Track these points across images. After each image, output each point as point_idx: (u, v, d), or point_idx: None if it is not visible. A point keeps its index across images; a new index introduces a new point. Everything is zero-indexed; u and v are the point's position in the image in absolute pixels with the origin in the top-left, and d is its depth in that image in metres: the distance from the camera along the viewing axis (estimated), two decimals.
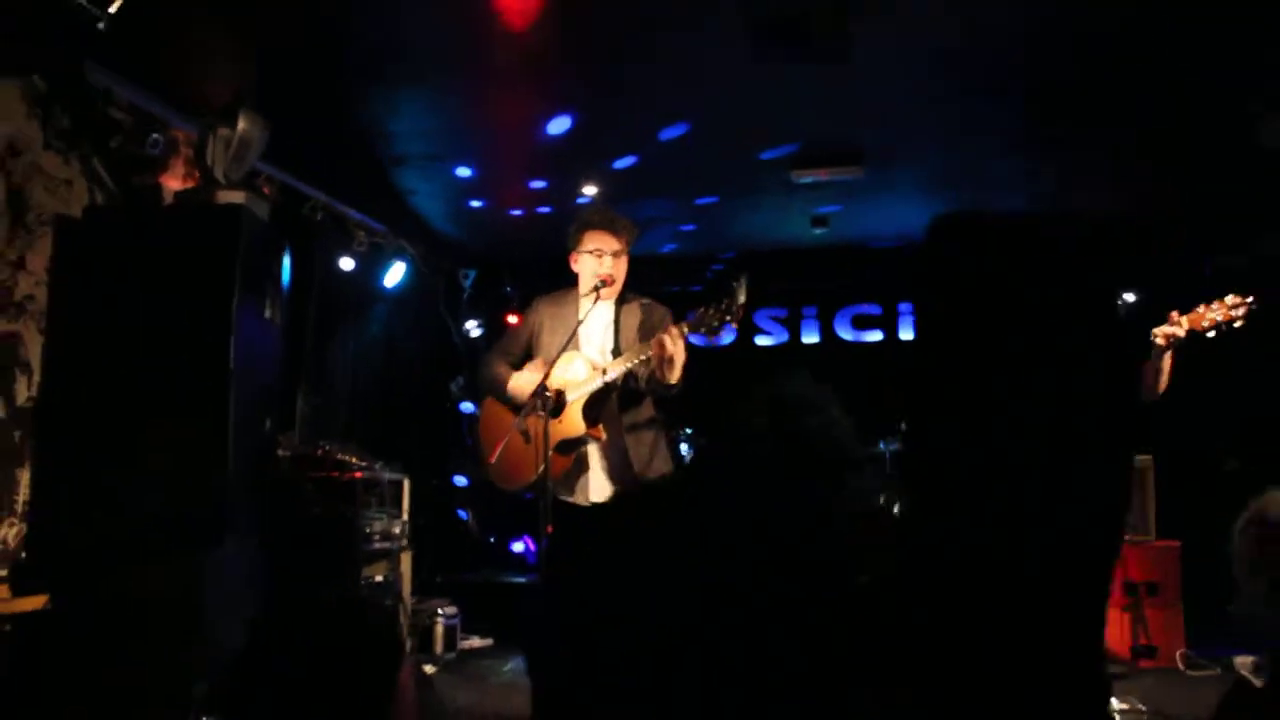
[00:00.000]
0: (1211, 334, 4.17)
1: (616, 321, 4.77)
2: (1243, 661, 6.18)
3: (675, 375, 4.33)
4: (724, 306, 4.18)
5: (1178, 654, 6.41)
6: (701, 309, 4.26)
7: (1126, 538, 6.65)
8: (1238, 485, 7.92)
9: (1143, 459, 6.66)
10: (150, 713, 4.03)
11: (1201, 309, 4.21)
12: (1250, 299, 4.12)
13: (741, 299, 4.12)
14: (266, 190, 6.01)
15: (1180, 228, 7.95)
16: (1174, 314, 4.31)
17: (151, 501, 4.27)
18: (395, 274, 7.90)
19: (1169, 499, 6.89)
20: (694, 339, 4.38)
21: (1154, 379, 4.33)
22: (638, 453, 4.63)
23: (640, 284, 5.07)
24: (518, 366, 4.86)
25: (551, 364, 4.56)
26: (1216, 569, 7.97)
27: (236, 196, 4.82)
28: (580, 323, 4.63)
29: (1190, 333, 4.21)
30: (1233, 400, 8.18)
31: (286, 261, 6.33)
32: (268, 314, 4.88)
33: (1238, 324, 4.12)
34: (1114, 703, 3.69)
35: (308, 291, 6.93)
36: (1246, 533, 2.33)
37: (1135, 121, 6.06)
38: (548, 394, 4.38)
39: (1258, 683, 2.17)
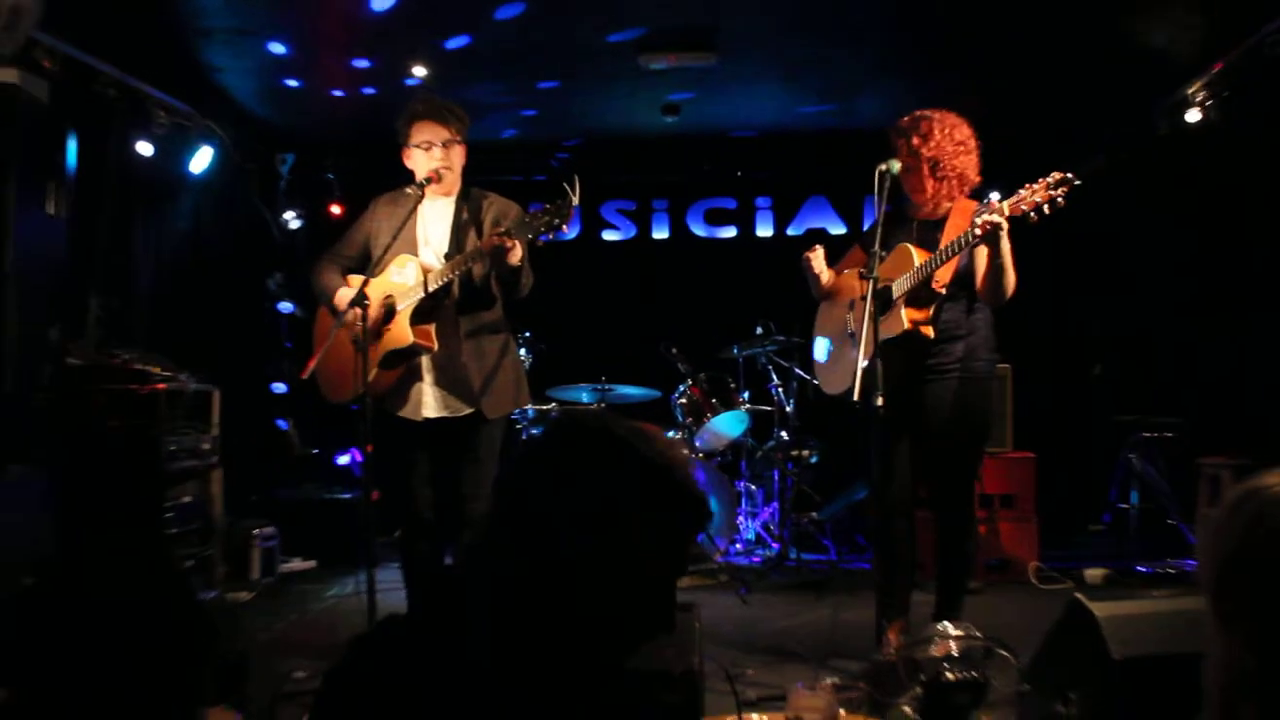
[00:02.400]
0: (1034, 217, 4.11)
1: (457, 219, 4.73)
2: (1093, 574, 6.54)
3: (515, 261, 4.38)
4: (555, 209, 4.21)
5: (1030, 567, 6.69)
6: (531, 214, 4.31)
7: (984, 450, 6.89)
8: (1100, 392, 8.36)
9: (1000, 367, 6.85)
10: None
11: (1022, 191, 4.12)
12: (1071, 175, 4.00)
13: (574, 201, 4.14)
14: (46, 65, 5.64)
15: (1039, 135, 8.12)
16: (993, 200, 4.30)
17: None
18: (202, 159, 7.59)
19: (1026, 408, 7.12)
20: (541, 238, 4.36)
21: (989, 276, 4.38)
22: (478, 366, 4.64)
23: (479, 172, 4.99)
24: (354, 271, 4.80)
25: (375, 267, 4.51)
26: (1071, 481, 8.32)
27: (8, 74, 4.53)
28: (406, 220, 4.56)
29: (1013, 219, 4.16)
30: (1101, 302, 8.50)
31: (72, 147, 6.02)
32: (50, 208, 4.63)
33: (1060, 204, 4.05)
34: (948, 627, 3.80)
35: (100, 181, 6.59)
36: (1234, 519, 1.61)
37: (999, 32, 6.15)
38: (367, 302, 4.31)
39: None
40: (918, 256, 4.50)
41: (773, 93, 7.74)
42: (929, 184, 4.59)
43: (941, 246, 4.46)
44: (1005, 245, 4.30)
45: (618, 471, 1.70)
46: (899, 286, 4.52)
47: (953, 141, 4.55)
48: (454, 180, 4.74)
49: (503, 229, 4.33)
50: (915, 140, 4.55)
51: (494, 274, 4.59)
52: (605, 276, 9.24)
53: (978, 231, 4.24)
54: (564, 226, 4.23)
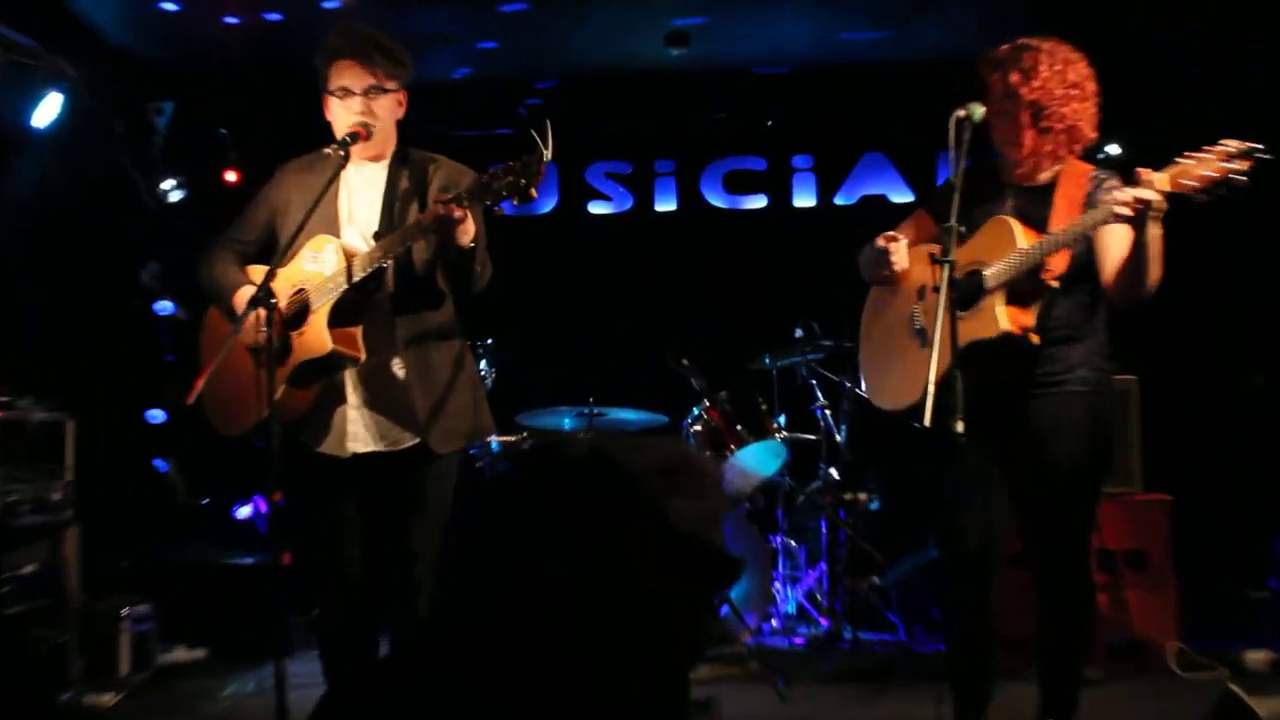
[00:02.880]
0: (1203, 198, 4.10)
1: (391, 189, 4.73)
2: (1255, 658, 6.51)
3: (466, 239, 4.37)
4: (520, 166, 4.15)
5: (1168, 649, 6.67)
6: (489, 174, 4.24)
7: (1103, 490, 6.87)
8: (1260, 412, 8.33)
9: (1122, 379, 6.85)
10: None
11: (1185, 161, 4.09)
12: (1259, 146, 3.99)
13: (547, 155, 4.09)
14: None
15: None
16: (1142, 171, 4.19)
17: None
18: (48, 109, 7.58)
19: (1161, 435, 7.11)
20: (505, 207, 4.35)
21: (1129, 268, 4.37)
22: (424, 383, 4.63)
23: (423, 126, 4.99)
24: (257, 261, 4.79)
25: (283, 252, 4.50)
26: (1222, 532, 8.30)
27: None
28: (324, 191, 4.53)
29: (1172, 196, 4.12)
30: (1261, 291, 8.47)
31: None
32: None
33: (1240, 182, 4.04)
34: None
35: None
36: None
37: None
38: (273, 300, 4.29)
39: None
40: (1022, 236, 4.49)
41: (809, 14, 7.74)
42: (1028, 136, 4.59)
43: (1058, 226, 4.46)
44: (1156, 230, 4.24)
45: (615, 514, 1.71)
46: (995, 275, 4.49)
47: (1064, 83, 4.55)
48: (385, 139, 4.73)
49: (451, 195, 4.31)
50: (1014, 77, 4.56)
51: (440, 260, 4.59)
52: (592, 262, 9.26)
53: (1123, 210, 4.18)
54: (533, 191, 4.17)
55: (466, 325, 4.85)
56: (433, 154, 4.81)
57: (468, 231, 4.34)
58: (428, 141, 4.88)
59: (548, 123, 4.12)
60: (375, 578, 4.65)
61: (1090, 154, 4.71)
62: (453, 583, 1.79)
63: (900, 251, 4.84)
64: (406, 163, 4.76)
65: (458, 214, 4.26)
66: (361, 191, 4.73)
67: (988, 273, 4.50)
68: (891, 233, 4.87)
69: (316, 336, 4.54)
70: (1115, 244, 4.41)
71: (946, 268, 4.18)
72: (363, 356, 4.57)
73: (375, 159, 4.73)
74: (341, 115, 4.66)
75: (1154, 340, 6.39)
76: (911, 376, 4.62)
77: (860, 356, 5.17)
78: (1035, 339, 4.50)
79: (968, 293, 4.49)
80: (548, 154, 4.10)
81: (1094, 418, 4.57)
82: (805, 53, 8.45)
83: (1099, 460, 4.64)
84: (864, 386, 5.16)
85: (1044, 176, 4.67)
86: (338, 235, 4.64)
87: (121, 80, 8.34)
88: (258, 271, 4.72)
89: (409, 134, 4.83)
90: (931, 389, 4.09)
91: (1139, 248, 4.27)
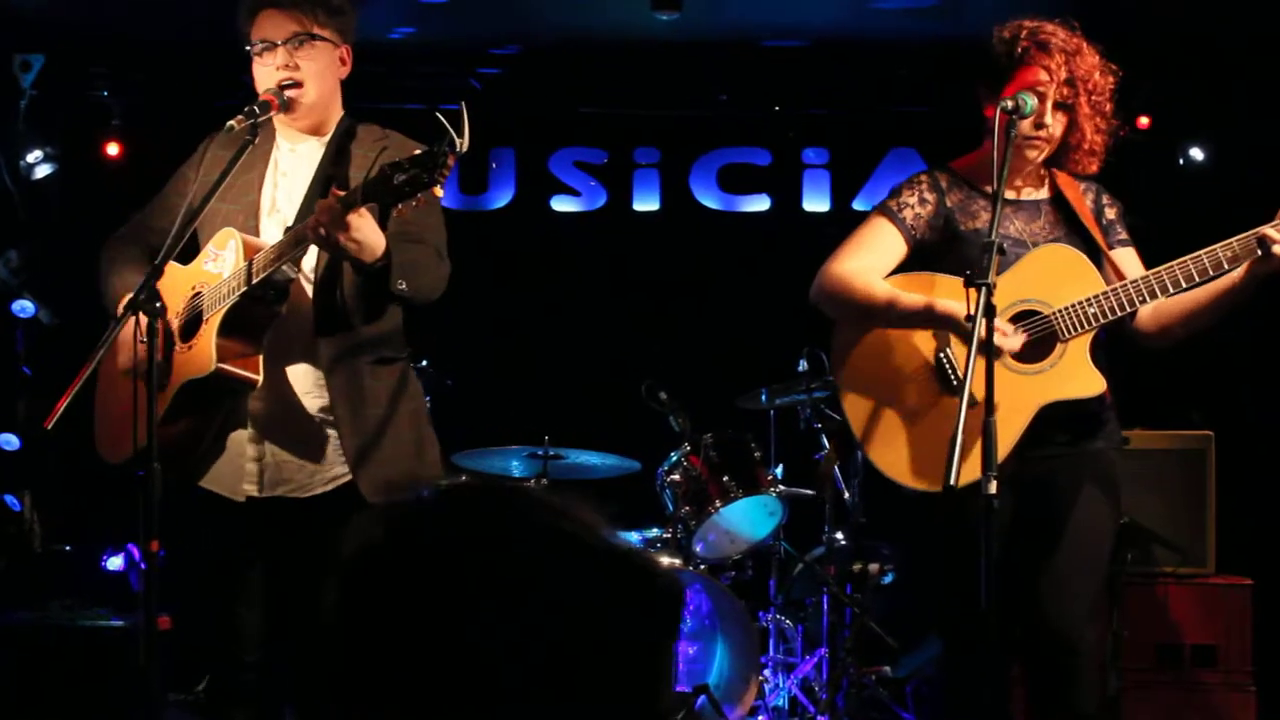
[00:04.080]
0: None
1: (323, 172, 4.70)
2: None
3: (369, 253, 4.27)
4: (421, 157, 4.11)
5: None
6: (388, 164, 4.17)
7: (1168, 569, 6.88)
8: None
9: (1196, 435, 6.88)
10: None
11: None
12: None
13: (462, 144, 4.05)
14: None
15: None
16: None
17: None
18: None
19: (1238, 505, 7.13)
20: (447, 199, 4.32)
21: (1208, 314, 4.51)
22: (355, 415, 4.60)
23: (352, 98, 4.96)
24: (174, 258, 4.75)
25: (174, 246, 4.43)
26: None
27: None
28: (229, 169, 4.50)
29: None
30: None
31: None
32: None
33: None
34: None
35: None
36: None
37: None
38: (159, 304, 4.28)
39: None
40: (1095, 271, 4.58)
41: None
42: (1089, 133, 4.65)
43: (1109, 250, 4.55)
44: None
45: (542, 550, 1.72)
46: (1074, 319, 4.56)
47: (1101, 65, 4.68)
48: (323, 106, 4.71)
49: (338, 196, 4.20)
50: (1076, 59, 4.65)
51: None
52: (554, 270, 9.27)
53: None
54: (438, 186, 4.15)
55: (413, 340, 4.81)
56: (385, 130, 4.77)
57: (364, 242, 4.22)
58: (353, 114, 4.85)
59: (463, 105, 4.08)
60: (277, 655, 4.64)
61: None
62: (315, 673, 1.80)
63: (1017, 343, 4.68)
64: (352, 138, 4.72)
65: (336, 220, 4.15)
66: (292, 175, 4.71)
67: (1060, 315, 4.54)
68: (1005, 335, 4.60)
69: (201, 352, 4.51)
70: (1201, 289, 4.53)
71: (982, 292, 4.20)
72: (258, 379, 4.52)
73: (313, 132, 4.71)
74: (263, 76, 4.63)
75: (1229, 391, 6.40)
76: (939, 442, 4.54)
77: (854, 418, 5.04)
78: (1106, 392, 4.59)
79: (1035, 342, 4.54)
80: (462, 144, 4.05)
81: (1114, 484, 4.68)
82: (827, 22, 8.48)
83: (1113, 533, 4.75)
84: (877, 462, 5.04)
85: (1036, 189, 4.76)
86: (257, 228, 4.61)
87: None
88: (177, 271, 4.67)
89: (351, 102, 4.81)
90: (959, 440, 4.11)
91: (1238, 296, 4.40)
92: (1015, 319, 4.56)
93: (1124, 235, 4.73)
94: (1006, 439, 4.27)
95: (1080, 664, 4.68)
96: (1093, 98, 4.63)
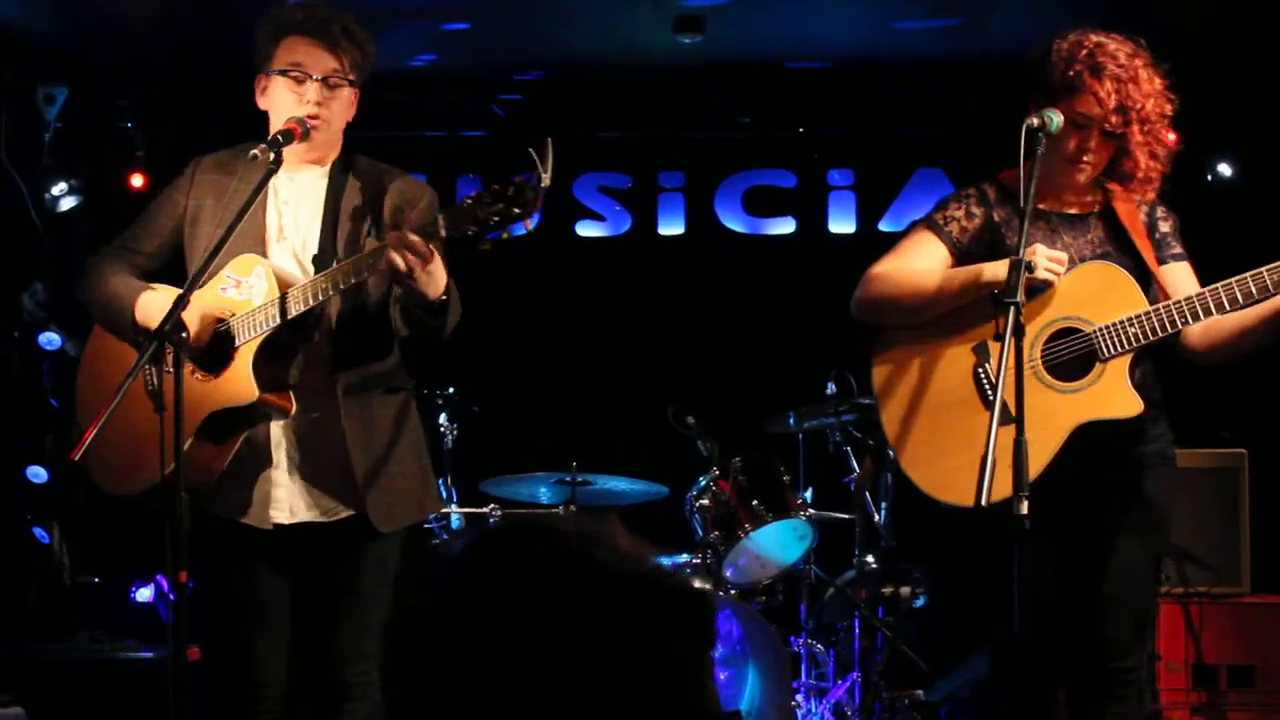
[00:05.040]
0: None
1: (332, 202, 4.72)
2: None
3: (436, 288, 4.32)
4: (512, 192, 4.12)
5: None
6: (474, 195, 4.19)
7: (1202, 589, 6.87)
8: None
9: (1229, 453, 6.86)
10: None
11: None
12: None
13: (545, 179, 4.06)
14: None
15: None
16: None
17: None
18: None
19: (1273, 524, 7.13)
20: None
21: (1256, 336, 4.51)
22: (367, 443, 4.62)
23: (372, 126, 4.97)
24: (155, 277, 4.77)
25: (200, 274, 4.44)
26: None
27: None
28: (250, 202, 4.50)
29: None
30: None
31: None
32: None
33: None
34: None
35: None
36: None
37: None
38: (185, 334, 4.29)
39: None
40: (1140, 292, 4.58)
41: None
42: (1142, 160, 4.66)
43: (1158, 269, 4.56)
44: None
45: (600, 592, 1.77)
46: (1115, 338, 4.57)
47: (1159, 91, 4.65)
48: (332, 142, 4.74)
49: (421, 221, 4.24)
50: (1130, 88, 4.62)
51: (401, 305, 4.54)
52: (580, 296, 9.26)
53: None
54: (527, 220, 4.15)
55: (424, 369, 4.83)
56: (387, 165, 4.79)
57: (434, 276, 4.26)
58: (373, 143, 4.87)
59: (549, 141, 4.07)
60: (306, 685, 4.65)
61: None
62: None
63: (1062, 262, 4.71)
64: (355, 171, 4.74)
65: (423, 251, 4.17)
66: (295, 204, 4.71)
67: (1103, 334, 4.55)
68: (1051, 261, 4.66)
69: (239, 381, 4.51)
70: (1254, 309, 4.53)
71: (1011, 312, 4.20)
72: (294, 408, 4.55)
73: (315, 163, 4.72)
74: (287, 101, 4.63)
75: (1261, 408, 6.39)
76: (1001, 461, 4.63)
77: (891, 433, 5.05)
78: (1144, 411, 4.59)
79: (1074, 359, 4.55)
80: (546, 178, 4.06)
81: (1170, 496, 4.66)
82: (849, 43, 8.48)
83: (1163, 548, 4.74)
84: (913, 476, 5.03)
85: (1087, 200, 4.78)
86: (264, 254, 4.62)
87: (2, 61, 8.38)
88: (167, 294, 4.62)
89: (354, 135, 4.83)
90: (991, 458, 4.11)
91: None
92: (1055, 336, 4.56)
93: (1178, 249, 4.71)
94: (1041, 457, 4.27)
95: (1126, 691, 4.67)
96: (1146, 126, 4.60)
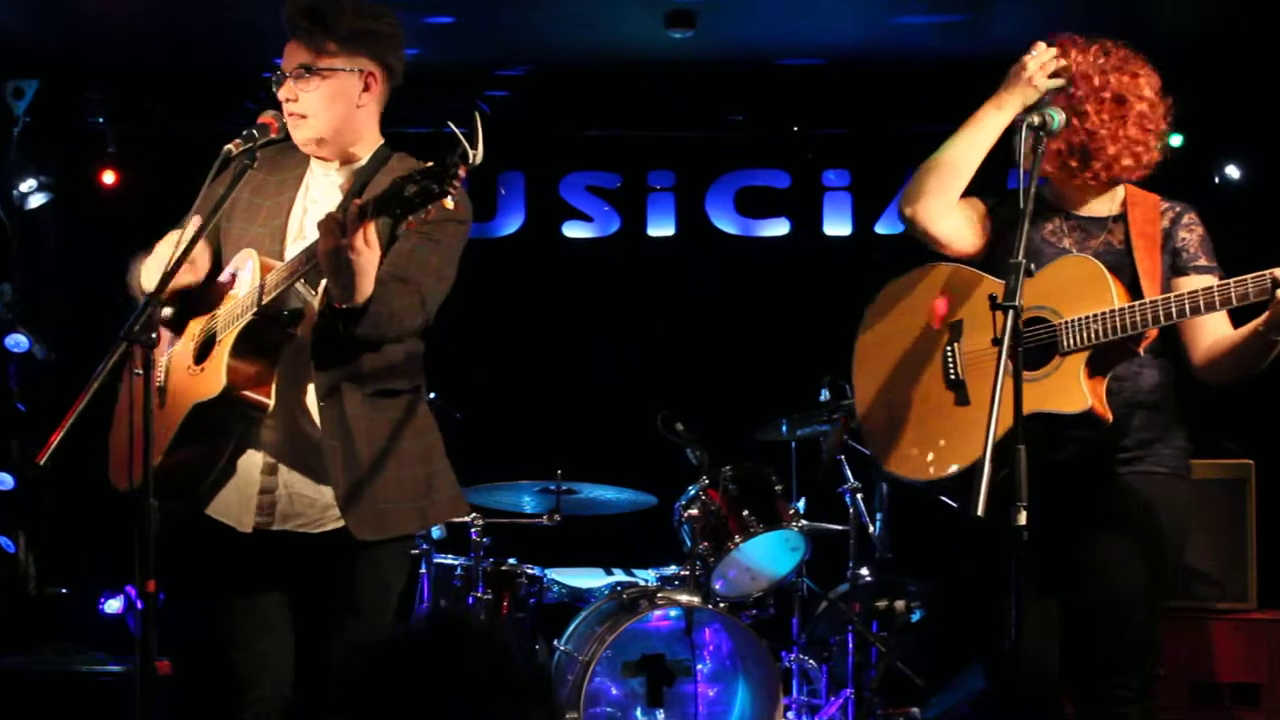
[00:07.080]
0: None
1: (349, 193, 4.63)
2: None
3: (358, 291, 4.21)
4: (431, 170, 4.07)
5: None
6: (399, 178, 4.12)
7: (1207, 604, 6.84)
8: None
9: (1235, 464, 6.84)
10: None
11: None
12: None
13: (476, 155, 4.00)
14: None
15: None
16: None
17: None
18: None
19: (1275, 534, 7.10)
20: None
21: (1252, 352, 4.47)
22: (346, 448, 4.55)
23: None
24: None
25: (173, 273, 4.33)
26: None
27: None
28: (222, 200, 4.46)
29: None
30: None
31: None
32: None
33: None
34: None
35: None
36: None
37: None
38: (163, 314, 4.27)
39: None
40: (1119, 291, 4.53)
41: None
42: (1110, 147, 4.66)
43: (1151, 279, 4.57)
44: None
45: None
46: (1076, 333, 4.53)
47: (1154, 88, 4.68)
48: (350, 136, 4.69)
49: (351, 205, 4.15)
50: (1127, 79, 4.65)
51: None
52: (566, 298, 9.26)
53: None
54: (447, 199, 4.07)
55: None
56: (409, 155, 4.71)
57: (358, 262, 4.13)
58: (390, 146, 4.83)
59: (478, 115, 4.04)
60: (293, 703, 4.61)
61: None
62: None
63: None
64: (382, 165, 4.69)
65: (348, 227, 4.10)
66: (322, 201, 4.68)
67: (1066, 329, 4.52)
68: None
69: (212, 373, 4.48)
70: (1217, 326, 4.56)
71: (1010, 316, 4.17)
72: (270, 404, 4.49)
73: (344, 160, 4.70)
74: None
75: (1265, 420, 6.36)
76: (947, 440, 4.71)
77: (860, 401, 5.12)
78: (1109, 417, 4.54)
79: (1035, 349, 4.51)
80: (475, 155, 4.02)
81: (1163, 512, 4.63)
82: (846, 40, 8.48)
83: (1165, 570, 4.70)
84: (868, 443, 5.14)
85: (1103, 204, 4.75)
86: (281, 252, 4.59)
87: None
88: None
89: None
90: (988, 469, 4.08)
91: (1265, 333, 4.39)
92: (1036, 323, 4.54)
93: (1203, 261, 4.64)
94: (978, 440, 4.23)
95: (1125, 710, 4.64)
96: (1144, 124, 4.64)
